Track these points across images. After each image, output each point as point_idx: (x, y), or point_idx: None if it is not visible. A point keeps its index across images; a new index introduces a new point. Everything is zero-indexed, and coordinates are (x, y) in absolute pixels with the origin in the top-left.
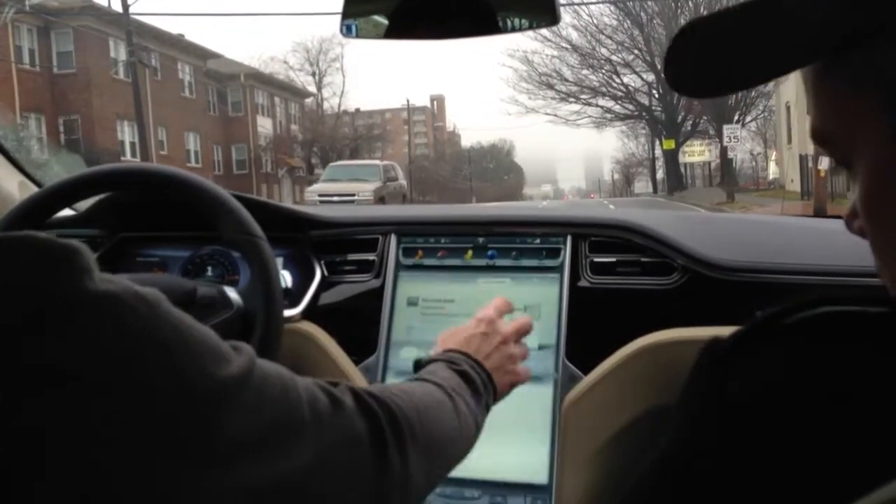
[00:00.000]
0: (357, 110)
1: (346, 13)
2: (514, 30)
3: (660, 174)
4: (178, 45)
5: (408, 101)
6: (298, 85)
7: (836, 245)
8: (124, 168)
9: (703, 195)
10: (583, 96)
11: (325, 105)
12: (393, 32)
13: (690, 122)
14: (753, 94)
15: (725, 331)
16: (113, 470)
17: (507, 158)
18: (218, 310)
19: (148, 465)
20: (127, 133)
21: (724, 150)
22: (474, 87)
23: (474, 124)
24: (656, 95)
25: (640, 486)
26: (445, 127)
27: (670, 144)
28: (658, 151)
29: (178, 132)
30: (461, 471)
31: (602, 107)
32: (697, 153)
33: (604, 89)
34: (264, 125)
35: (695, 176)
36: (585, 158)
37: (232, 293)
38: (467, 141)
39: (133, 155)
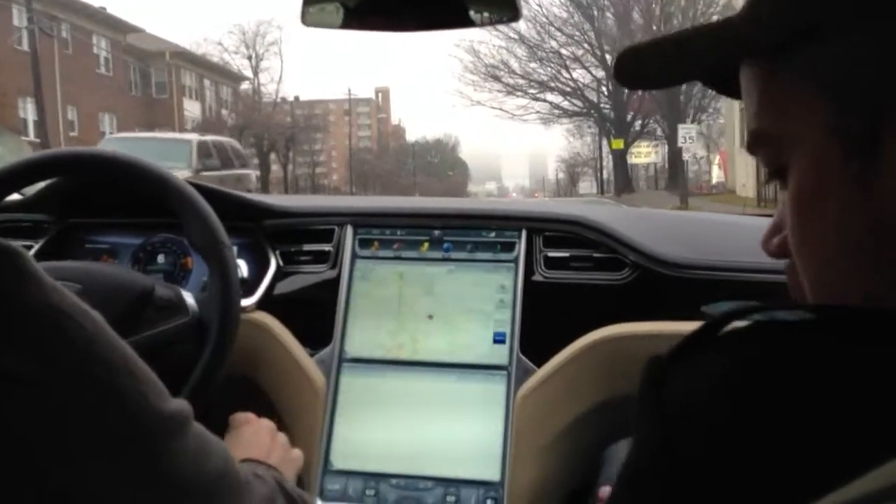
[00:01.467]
0: (296, 98)
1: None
2: (474, 24)
3: (605, 175)
4: (93, 17)
5: (349, 90)
6: (234, 68)
7: None
8: (84, 153)
9: (652, 198)
10: (530, 90)
11: (262, 91)
12: (354, 23)
13: (640, 121)
14: (708, 95)
15: (675, 326)
16: (61, 484)
17: (453, 154)
18: (174, 313)
19: (94, 483)
20: (30, 111)
21: (677, 152)
22: (421, 79)
23: (420, 118)
24: (605, 92)
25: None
26: (390, 120)
27: (619, 144)
28: (605, 151)
29: (92, 112)
30: (414, 468)
31: (550, 102)
32: (644, 154)
33: (552, 84)
34: (192, 109)
35: (638, 178)
36: (530, 156)
37: (189, 298)
38: (413, 135)
39: (37, 135)
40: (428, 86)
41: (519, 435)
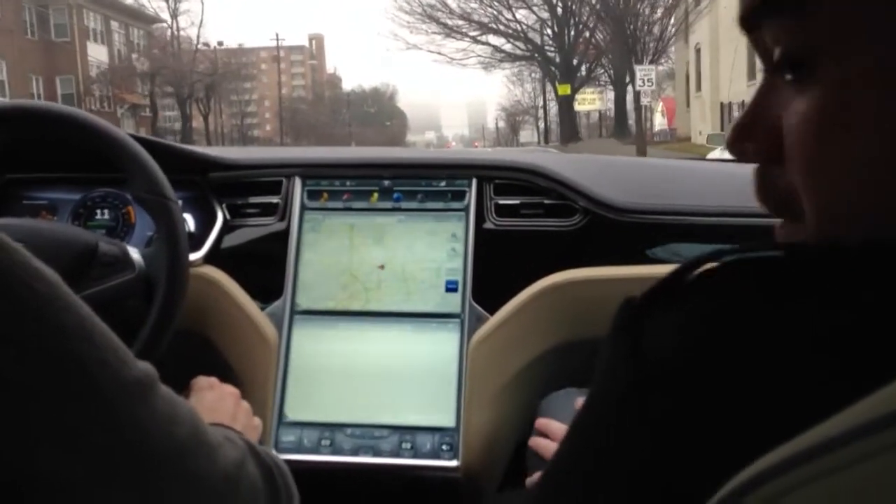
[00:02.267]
0: (220, 44)
1: None
2: None
3: (547, 124)
4: None
5: (277, 35)
6: (148, 10)
7: (732, 186)
8: (24, 106)
9: (601, 147)
10: (470, 32)
11: (182, 36)
12: None
13: (586, 66)
14: (656, 38)
15: (625, 270)
16: (20, 461)
17: (390, 103)
18: (119, 270)
19: (56, 461)
20: None
21: (624, 98)
22: (356, 26)
23: (357, 67)
24: (550, 35)
25: (570, 439)
26: (325, 68)
27: (566, 90)
28: (550, 98)
29: None
30: (369, 417)
31: (491, 45)
32: (588, 101)
33: (493, 25)
34: (97, 54)
35: (580, 126)
36: (469, 105)
37: (135, 254)
38: (349, 84)
39: None
40: (364, 33)
41: (473, 381)
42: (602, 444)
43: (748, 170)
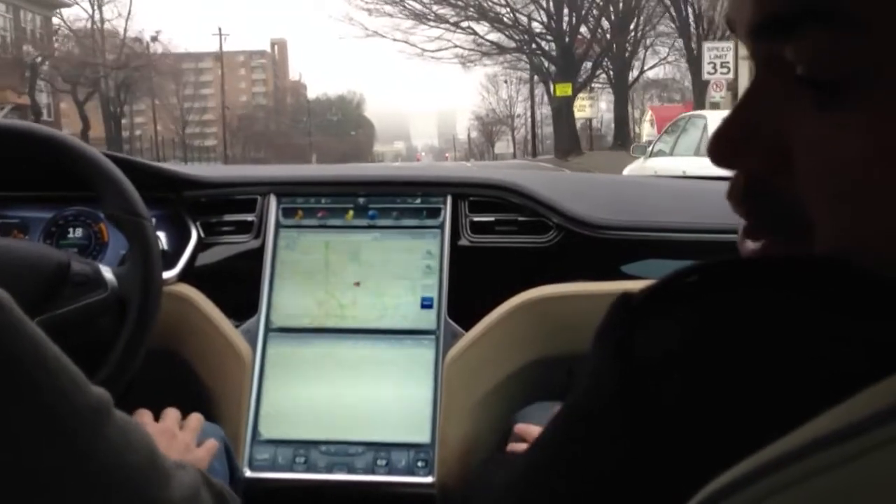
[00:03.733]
0: (154, 38)
1: None
2: None
3: (525, 133)
4: None
5: (220, 29)
6: None
7: (705, 202)
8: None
9: (610, 162)
10: (448, 18)
11: (109, 29)
12: None
13: (591, 62)
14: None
15: (599, 286)
16: None
17: (357, 112)
18: (91, 288)
19: (10, 487)
20: None
21: (625, 103)
22: (323, 31)
23: (323, 74)
24: (544, 20)
25: (547, 438)
26: (288, 74)
27: (566, 90)
28: (539, 102)
29: None
30: (344, 434)
31: (473, 33)
32: (579, 108)
33: (474, 9)
34: None
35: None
36: (439, 114)
37: (108, 273)
38: (315, 92)
39: None
40: (332, 39)
41: (448, 397)
42: (581, 441)
43: (719, 186)
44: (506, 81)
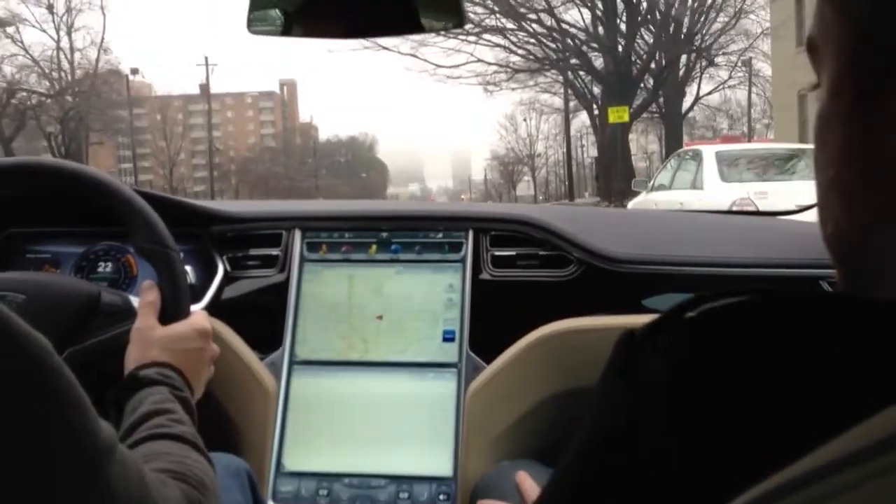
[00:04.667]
0: (134, 71)
1: (254, 6)
2: (423, 29)
3: (541, 175)
4: None
5: (206, 59)
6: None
7: (727, 236)
8: (29, 163)
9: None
10: (471, 29)
11: (75, 57)
12: (300, 29)
13: (652, 79)
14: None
15: (619, 320)
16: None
17: (369, 153)
18: (122, 319)
19: None
20: None
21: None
22: (335, 73)
23: (336, 116)
24: (587, 28)
25: (563, 474)
26: (297, 116)
27: (622, 115)
28: (583, 132)
29: None
30: (366, 467)
31: (502, 45)
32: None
33: (499, 13)
34: None
35: (583, 177)
36: (454, 154)
37: (136, 301)
38: (327, 134)
39: None
40: (345, 80)
41: (470, 430)
42: (600, 463)
43: (743, 220)
44: (525, 119)
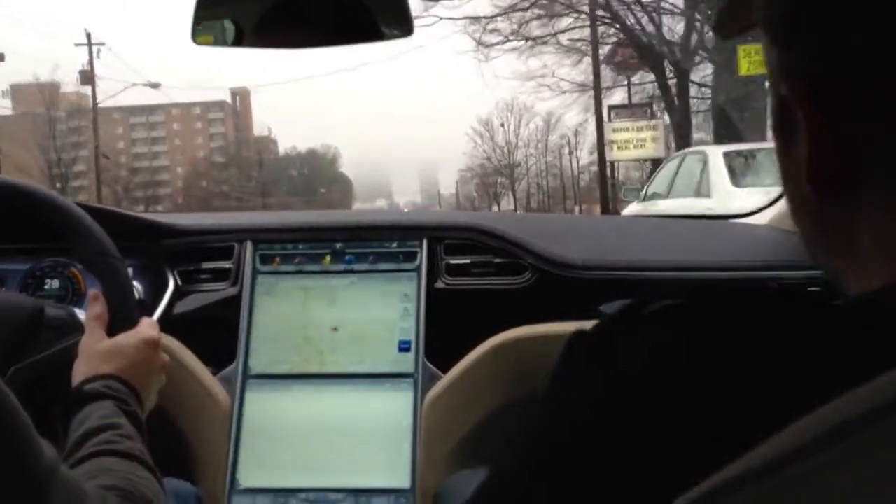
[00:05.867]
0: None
1: (199, 16)
2: (382, 37)
3: (521, 187)
4: None
5: (89, 38)
6: None
7: (683, 240)
8: None
9: None
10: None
11: None
12: (250, 41)
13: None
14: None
15: (575, 326)
16: None
17: (331, 167)
18: (69, 332)
19: None
20: None
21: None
22: (294, 79)
23: (296, 127)
24: None
25: (502, 474)
26: (252, 128)
27: (758, 60)
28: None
29: None
30: (324, 481)
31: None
32: (622, 145)
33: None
34: None
35: (572, 187)
36: (420, 168)
37: (83, 315)
38: (285, 146)
39: None
40: (305, 88)
41: (427, 441)
42: (564, 446)
43: (698, 224)
44: (503, 124)
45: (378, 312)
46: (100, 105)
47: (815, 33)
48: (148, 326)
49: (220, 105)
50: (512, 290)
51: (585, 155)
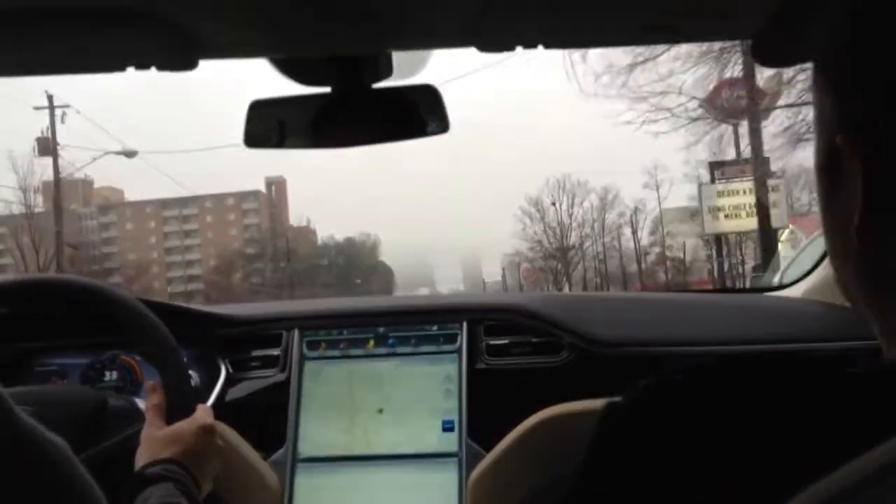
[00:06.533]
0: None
1: (251, 118)
2: (426, 133)
3: (578, 273)
4: None
5: (50, 101)
6: None
7: (717, 315)
8: (37, 280)
9: None
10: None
11: None
12: (299, 141)
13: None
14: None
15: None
16: None
17: (370, 255)
18: (131, 420)
19: None
20: None
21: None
22: (331, 169)
23: (334, 216)
24: None
25: None
26: (288, 218)
27: None
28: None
29: None
30: None
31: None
32: (731, 210)
33: None
34: None
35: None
36: (462, 256)
37: (142, 404)
38: (324, 235)
39: None
40: (343, 178)
41: None
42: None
43: (727, 299)
44: (553, 203)
45: (422, 394)
46: (102, 188)
47: (879, 90)
48: (204, 413)
49: (254, 195)
50: (551, 368)
51: (645, 235)
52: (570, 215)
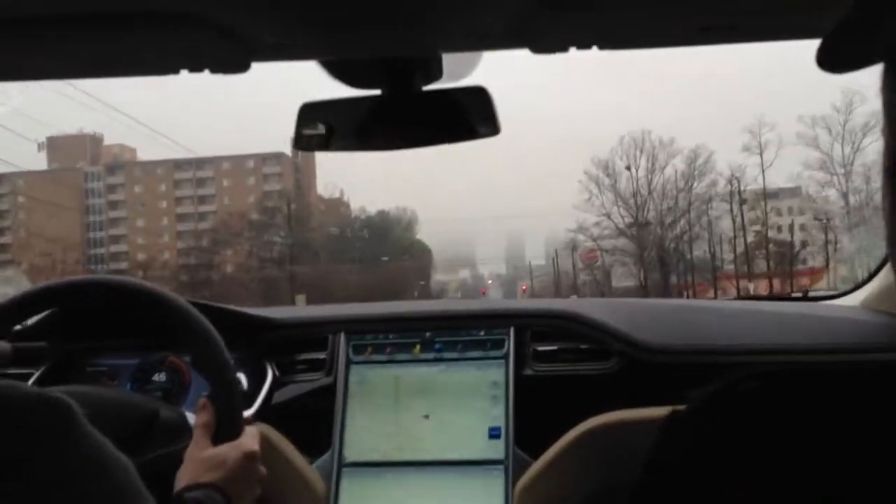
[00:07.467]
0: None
1: (301, 122)
2: (478, 136)
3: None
4: None
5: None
6: None
7: (764, 323)
8: (70, 282)
9: None
10: None
11: None
12: (347, 143)
13: None
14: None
15: (662, 411)
16: None
17: (405, 233)
18: (179, 435)
19: None
20: None
21: None
22: None
23: (370, 187)
24: None
25: None
26: (315, 186)
27: None
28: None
29: None
30: None
31: None
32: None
33: None
34: None
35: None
36: (507, 236)
37: (192, 418)
38: (356, 208)
39: None
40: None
41: None
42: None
43: (776, 307)
44: (628, 167)
45: (468, 400)
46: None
47: None
48: (250, 438)
49: (277, 158)
50: (599, 375)
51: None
52: (649, 183)
